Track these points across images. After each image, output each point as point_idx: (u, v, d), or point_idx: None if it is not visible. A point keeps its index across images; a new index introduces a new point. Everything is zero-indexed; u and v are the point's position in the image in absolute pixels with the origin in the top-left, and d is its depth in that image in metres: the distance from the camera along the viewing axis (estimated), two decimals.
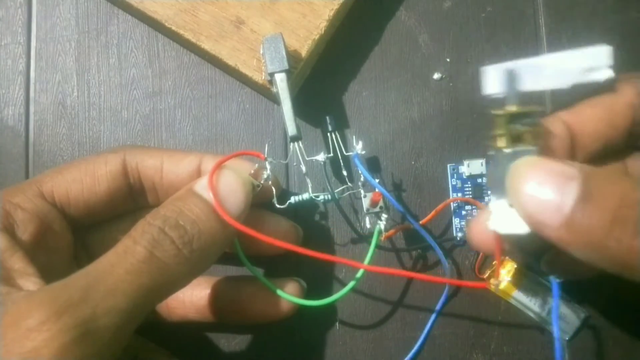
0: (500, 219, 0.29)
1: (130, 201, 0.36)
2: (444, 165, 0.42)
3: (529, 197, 0.26)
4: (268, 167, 0.35)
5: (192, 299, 0.37)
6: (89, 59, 0.44)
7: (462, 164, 0.41)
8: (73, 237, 0.34)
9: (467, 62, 0.43)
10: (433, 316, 0.40)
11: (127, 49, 0.44)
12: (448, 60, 0.43)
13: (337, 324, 0.41)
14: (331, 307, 0.40)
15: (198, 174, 0.35)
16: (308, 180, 0.38)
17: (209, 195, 0.31)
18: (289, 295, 0.36)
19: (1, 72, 0.44)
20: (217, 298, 0.37)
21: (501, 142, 0.28)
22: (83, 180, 0.34)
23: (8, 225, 0.31)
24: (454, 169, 0.41)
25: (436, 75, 0.43)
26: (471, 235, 0.32)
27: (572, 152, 0.31)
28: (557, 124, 0.31)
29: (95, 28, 0.44)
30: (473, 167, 0.41)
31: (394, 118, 0.43)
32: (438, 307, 0.40)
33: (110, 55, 0.44)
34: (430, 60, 0.43)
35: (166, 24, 0.40)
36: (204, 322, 0.38)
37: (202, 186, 0.31)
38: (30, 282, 0.28)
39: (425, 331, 0.40)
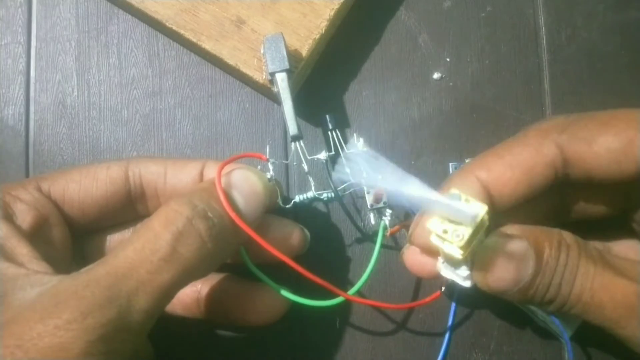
0: (449, 268, 0.31)
1: (129, 209, 0.36)
2: (444, 164, 0.42)
3: (493, 280, 0.30)
4: (271, 168, 0.35)
5: (180, 295, 0.36)
6: (89, 58, 0.44)
7: (464, 163, 0.41)
8: (70, 233, 0.35)
9: (467, 62, 0.43)
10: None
11: (127, 48, 0.44)
12: (448, 60, 0.43)
13: (337, 323, 0.41)
14: (331, 306, 0.40)
15: (201, 179, 0.35)
16: (310, 179, 0.38)
17: (234, 193, 0.31)
18: (292, 295, 0.36)
19: (1, 71, 0.43)
20: (204, 297, 0.37)
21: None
22: (81, 181, 0.34)
23: (7, 216, 0.31)
24: (456, 168, 0.41)
25: (436, 75, 0.43)
26: (406, 262, 0.35)
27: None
28: (471, 182, 0.31)
29: (95, 28, 0.44)
30: None
31: (394, 118, 0.43)
32: (450, 322, 0.40)
33: (111, 54, 0.44)
34: (430, 60, 0.43)
35: (167, 24, 0.40)
36: (193, 319, 0.38)
37: (229, 183, 0.32)
38: (40, 266, 0.29)
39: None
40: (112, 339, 0.26)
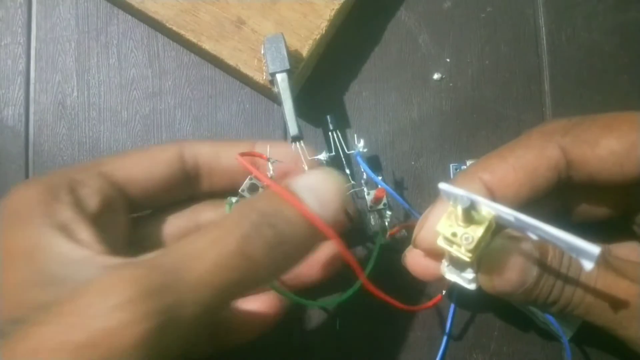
0: (453, 271, 0.31)
1: (186, 188, 0.37)
2: (445, 165, 0.42)
3: (499, 283, 0.30)
4: (271, 168, 0.35)
5: None
6: (88, 59, 0.44)
7: (465, 164, 0.41)
8: (129, 219, 0.35)
9: (467, 62, 0.43)
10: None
11: (127, 49, 0.44)
12: (448, 60, 0.43)
13: (337, 324, 0.41)
14: (331, 306, 0.40)
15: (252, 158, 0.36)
16: None
17: (308, 198, 0.29)
18: (292, 295, 0.35)
19: (1, 72, 0.43)
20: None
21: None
22: (142, 163, 0.35)
23: (75, 200, 0.31)
24: (456, 169, 0.41)
25: (436, 75, 0.43)
26: (409, 265, 0.35)
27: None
28: (475, 184, 0.31)
29: (95, 28, 0.44)
30: None
31: (394, 118, 0.43)
32: (449, 324, 0.40)
33: (110, 55, 0.44)
34: (430, 60, 0.43)
35: (167, 25, 0.40)
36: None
37: (303, 186, 0.30)
38: (102, 250, 0.29)
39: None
40: (167, 330, 0.24)
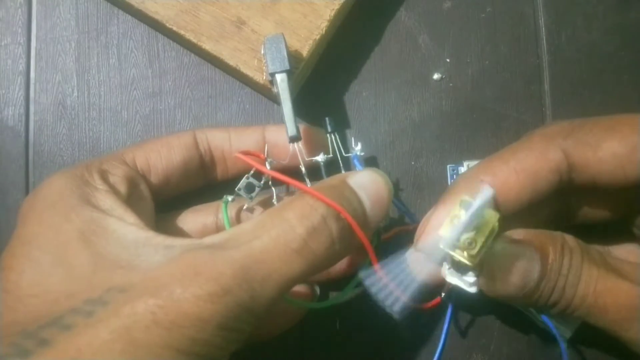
0: (455, 274, 0.31)
1: (202, 174, 0.38)
2: (444, 165, 0.42)
3: (500, 286, 0.30)
4: (268, 167, 0.35)
5: None
6: (89, 59, 0.44)
7: (462, 165, 0.41)
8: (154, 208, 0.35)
9: (467, 62, 0.43)
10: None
11: (127, 49, 0.44)
12: (448, 60, 0.43)
13: (337, 324, 0.41)
14: (331, 307, 0.40)
15: (263, 141, 0.38)
16: (307, 181, 0.38)
17: (362, 195, 0.31)
18: (298, 300, 0.35)
19: (1, 72, 0.43)
20: None
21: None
22: (160, 150, 0.36)
23: (111, 188, 0.32)
24: (453, 170, 0.41)
25: (436, 76, 0.43)
26: (409, 268, 0.34)
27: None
28: (477, 186, 0.31)
29: (95, 28, 0.44)
30: None
31: (394, 118, 0.43)
32: (446, 324, 0.40)
33: (110, 55, 0.44)
34: (430, 61, 0.43)
35: (167, 25, 0.40)
36: None
37: (358, 183, 0.31)
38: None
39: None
40: (241, 320, 0.26)
